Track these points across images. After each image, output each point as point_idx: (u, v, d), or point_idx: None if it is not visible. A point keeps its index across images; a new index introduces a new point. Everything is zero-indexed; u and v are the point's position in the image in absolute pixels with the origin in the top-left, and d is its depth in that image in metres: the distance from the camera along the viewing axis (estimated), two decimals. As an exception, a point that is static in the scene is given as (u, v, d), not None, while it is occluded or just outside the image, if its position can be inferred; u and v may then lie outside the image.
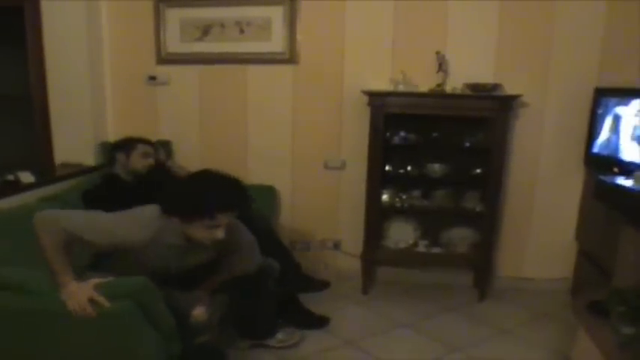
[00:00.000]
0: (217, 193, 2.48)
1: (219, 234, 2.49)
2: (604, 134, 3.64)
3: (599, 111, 3.68)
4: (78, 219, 2.47)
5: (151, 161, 3.78)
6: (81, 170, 4.05)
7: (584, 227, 3.96)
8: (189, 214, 2.48)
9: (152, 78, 4.35)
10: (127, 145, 3.76)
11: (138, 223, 2.54)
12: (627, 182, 3.09)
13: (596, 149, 3.70)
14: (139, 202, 3.53)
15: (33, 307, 2.39)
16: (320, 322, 3.60)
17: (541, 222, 4.19)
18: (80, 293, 2.29)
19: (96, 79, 4.26)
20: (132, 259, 2.56)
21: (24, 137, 4.50)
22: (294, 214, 4.43)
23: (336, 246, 4.41)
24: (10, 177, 3.54)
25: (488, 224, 3.93)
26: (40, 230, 2.38)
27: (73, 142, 4.22)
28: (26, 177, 3.59)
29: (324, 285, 4.09)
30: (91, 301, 2.28)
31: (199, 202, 2.46)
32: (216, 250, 2.74)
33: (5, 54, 5.12)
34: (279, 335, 3.28)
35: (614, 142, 3.56)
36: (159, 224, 2.54)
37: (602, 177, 3.30)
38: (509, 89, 3.88)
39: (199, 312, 2.74)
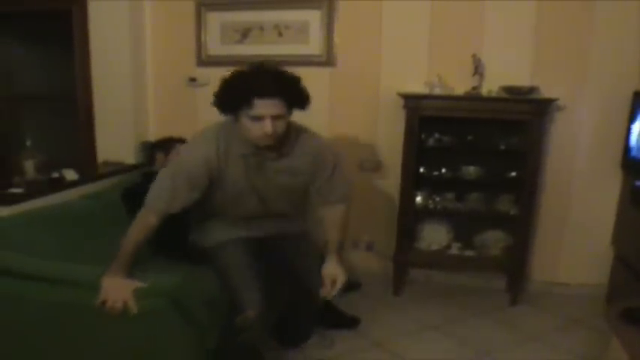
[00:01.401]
0: (252, 76, 2.35)
1: (267, 127, 2.32)
2: (642, 139, 3.61)
3: (638, 115, 3.64)
4: (163, 197, 2.52)
5: None
6: (121, 169, 4.16)
7: (620, 233, 3.91)
8: (229, 105, 2.40)
9: (192, 79, 4.46)
10: (166, 144, 3.82)
11: (203, 140, 2.54)
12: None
13: (634, 154, 3.66)
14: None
15: (70, 300, 2.44)
16: (351, 322, 3.62)
17: (576, 226, 4.14)
18: (119, 291, 2.32)
19: (138, 80, 4.39)
20: (220, 193, 2.61)
21: (69, 136, 4.63)
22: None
23: (369, 247, 4.44)
24: (56, 174, 3.65)
25: (522, 228, 3.91)
26: (135, 225, 2.53)
27: (115, 141, 4.35)
28: (70, 175, 3.70)
29: (355, 286, 4.11)
30: (124, 302, 2.30)
31: (234, 88, 2.36)
32: (300, 172, 2.66)
33: (53, 56, 5.33)
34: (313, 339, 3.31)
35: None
36: (223, 133, 2.51)
37: (638, 182, 3.27)
38: (546, 92, 3.86)
39: (251, 315, 2.66)
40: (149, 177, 3.73)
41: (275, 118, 2.33)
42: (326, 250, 2.81)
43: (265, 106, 2.30)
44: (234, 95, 2.34)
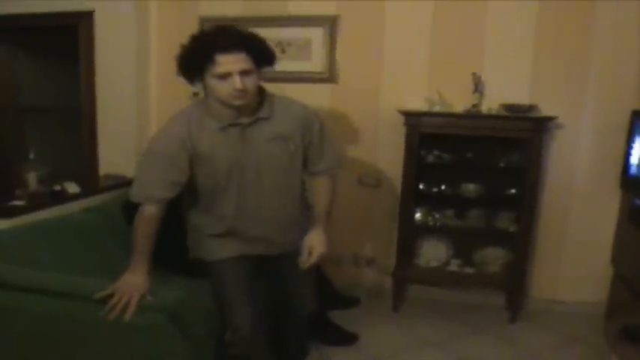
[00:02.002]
0: (212, 33, 2.30)
1: (237, 83, 2.22)
2: (640, 157, 3.63)
3: (637, 134, 3.66)
4: (152, 183, 2.48)
5: None
6: (123, 182, 4.14)
7: (619, 251, 3.92)
8: (193, 68, 2.29)
9: (196, 94, 4.48)
10: None
11: (171, 123, 2.48)
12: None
13: (633, 172, 3.68)
14: (178, 213, 3.65)
15: (70, 313, 2.45)
16: (349, 338, 3.63)
17: (576, 244, 4.15)
18: (129, 288, 2.35)
19: (142, 94, 4.43)
20: (208, 175, 2.51)
21: (72, 149, 4.67)
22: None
23: (369, 263, 4.45)
24: (57, 187, 3.67)
25: (521, 245, 3.92)
26: (137, 221, 2.52)
27: (117, 154, 4.38)
28: (72, 187, 3.72)
29: (354, 301, 4.14)
30: (128, 301, 2.31)
31: (195, 48, 2.27)
32: (291, 138, 2.53)
33: (59, 69, 5.38)
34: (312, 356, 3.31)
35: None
36: (193, 112, 2.45)
37: (637, 200, 3.28)
38: (546, 110, 3.90)
39: (240, 331, 2.64)
40: None
41: (243, 74, 2.24)
42: (312, 218, 2.74)
43: (230, 62, 2.22)
44: (197, 55, 2.25)
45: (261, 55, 2.35)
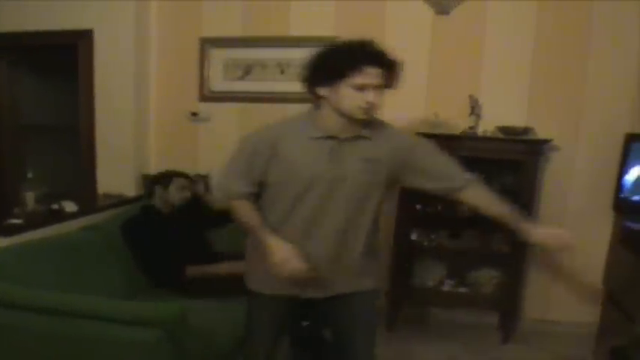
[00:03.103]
0: (363, 44, 2.19)
1: (370, 96, 2.16)
2: (634, 180, 3.67)
3: (630, 157, 3.71)
4: (232, 179, 2.39)
5: (187, 194, 3.86)
6: (121, 201, 4.20)
7: (611, 273, 3.96)
8: (332, 73, 2.18)
9: (194, 114, 4.53)
10: (165, 178, 3.85)
11: (270, 124, 2.41)
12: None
13: (625, 195, 3.73)
14: (176, 233, 3.67)
15: (67, 331, 2.45)
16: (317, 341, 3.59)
17: (569, 265, 4.19)
18: (285, 252, 2.21)
19: (140, 114, 4.46)
20: (287, 181, 2.33)
21: (70, 168, 4.68)
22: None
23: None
24: (55, 206, 3.67)
25: (515, 266, 3.96)
26: (235, 212, 2.42)
27: (115, 173, 4.41)
28: (70, 206, 3.72)
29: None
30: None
31: (344, 54, 2.18)
32: (377, 161, 2.33)
33: (57, 87, 5.40)
34: None
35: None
36: (295, 120, 2.39)
37: (628, 223, 3.32)
38: (541, 133, 3.94)
39: None
40: (148, 210, 3.79)
41: (376, 88, 2.19)
42: (511, 223, 2.41)
43: (372, 75, 2.17)
44: (344, 61, 2.16)
45: (394, 75, 2.29)
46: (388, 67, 2.22)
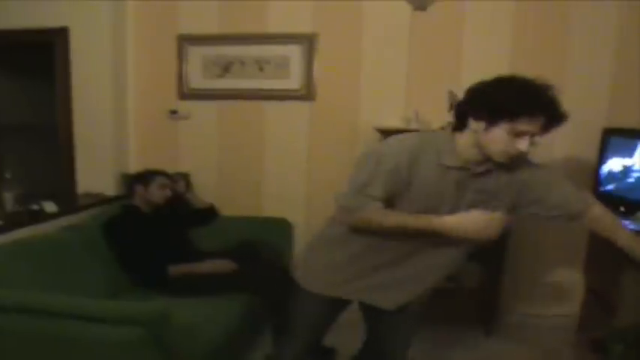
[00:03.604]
0: (539, 89, 1.98)
1: (524, 145, 2.00)
2: (611, 174, 3.71)
3: (607, 151, 3.76)
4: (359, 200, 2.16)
5: (167, 193, 3.86)
6: (101, 200, 4.17)
7: (590, 265, 4.01)
8: (501, 109, 1.97)
9: (174, 112, 4.51)
10: (144, 177, 3.85)
11: (406, 138, 2.22)
12: (628, 222, 3.16)
13: (603, 188, 3.77)
14: (158, 232, 3.65)
15: (48, 331, 2.45)
16: (326, 352, 3.62)
17: (549, 258, 4.25)
18: (471, 218, 2.07)
19: (119, 113, 4.41)
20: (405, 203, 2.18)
21: (49, 167, 4.64)
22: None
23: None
24: (35, 206, 3.64)
25: (495, 259, 3.99)
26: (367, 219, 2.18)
27: (95, 173, 4.36)
28: (50, 207, 3.69)
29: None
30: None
31: (521, 96, 1.96)
32: (495, 198, 2.21)
33: (34, 86, 5.35)
34: None
35: (621, 182, 3.64)
36: (431, 139, 2.19)
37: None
38: (519, 128, 3.96)
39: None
40: (128, 209, 3.77)
41: (532, 137, 2.03)
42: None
43: (536, 125, 2.00)
44: (517, 103, 1.96)
45: (554, 126, 2.08)
46: (556, 121, 2.04)
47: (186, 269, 3.51)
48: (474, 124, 2.04)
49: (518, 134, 1.98)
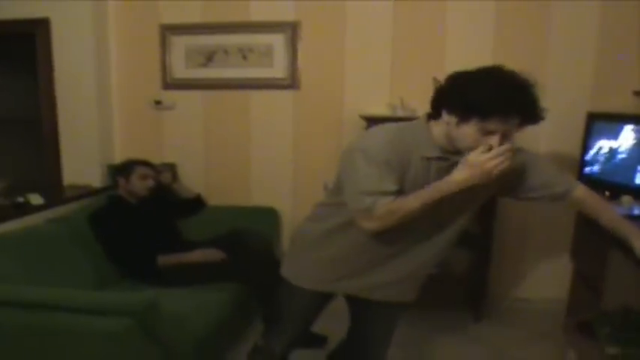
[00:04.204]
0: (517, 88, 1.91)
1: (493, 142, 1.91)
2: (596, 158, 3.74)
3: (592, 135, 3.78)
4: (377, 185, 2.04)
5: (150, 183, 3.83)
6: (88, 192, 4.15)
7: (578, 249, 4.03)
8: (472, 109, 1.90)
9: (158, 102, 4.48)
10: (125, 168, 3.83)
11: (381, 130, 2.15)
12: (613, 206, 3.18)
13: (588, 172, 3.80)
14: (145, 223, 3.64)
15: (35, 323, 2.45)
16: (318, 341, 3.63)
17: (537, 243, 4.29)
18: (478, 165, 1.95)
19: (103, 103, 4.39)
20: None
21: (34, 159, 4.61)
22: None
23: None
24: (20, 199, 3.62)
25: (483, 245, 4.01)
26: (384, 221, 2.06)
27: (81, 164, 4.35)
28: (35, 199, 3.67)
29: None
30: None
31: (492, 94, 1.88)
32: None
33: (17, 79, 5.30)
34: None
35: (605, 166, 3.66)
36: (407, 131, 2.12)
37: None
38: (504, 113, 3.97)
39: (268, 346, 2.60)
40: (115, 200, 3.76)
41: (503, 134, 1.94)
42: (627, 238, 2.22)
43: (507, 124, 1.92)
44: (490, 102, 1.88)
45: (529, 124, 2.00)
46: (531, 121, 1.97)
47: (175, 259, 3.51)
48: (447, 117, 1.98)
49: (490, 133, 1.92)
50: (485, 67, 1.98)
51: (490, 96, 1.88)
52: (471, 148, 1.96)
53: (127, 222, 3.60)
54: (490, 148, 1.91)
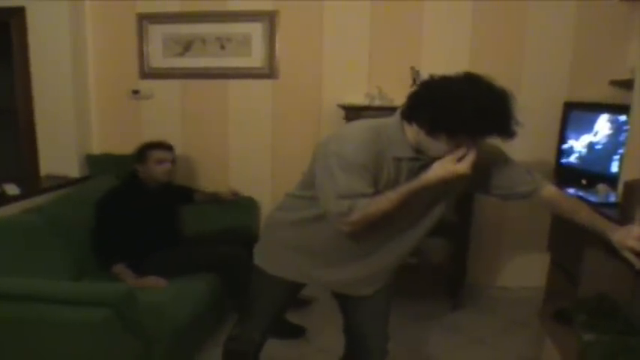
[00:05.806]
0: (495, 111, 1.89)
1: (461, 152, 1.94)
2: (572, 147, 3.77)
3: (569, 124, 3.82)
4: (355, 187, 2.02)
5: (167, 166, 3.68)
6: (65, 182, 4.13)
7: (554, 238, 4.06)
8: (443, 127, 1.90)
9: (135, 92, 4.46)
10: (140, 154, 3.67)
11: (359, 130, 2.10)
12: (589, 195, 3.22)
13: (565, 161, 3.83)
14: (157, 210, 3.65)
15: (12, 313, 2.45)
16: (296, 331, 3.66)
17: (514, 231, 4.33)
18: (442, 165, 1.96)
19: (80, 93, 4.36)
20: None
21: (10, 150, 4.57)
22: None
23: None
24: (-4, 189, 3.59)
25: (461, 234, 4.04)
26: (360, 223, 2.04)
27: (58, 154, 4.33)
28: (11, 189, 3.65)
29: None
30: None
31: (467, 115, 1.85)
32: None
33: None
34: None
35: (582, 155, 3.70)
36: (383, 130, 2.07)
37: (569, 190, 3.42)
38: (481, 103, 3.99)
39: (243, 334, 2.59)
40: (131, 182, 3.69)
41: (472, 145, 1.97)
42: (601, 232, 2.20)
43: (476, 142, 1.96)
44: (465, 123, 1.87)
45: (502, 138, 1.98)
46: (503, 138, 1.96)
47: (126, 275, 3.35)
48: (415, 127, 1.98)
49: (458, 144, 1.94)
50: (459, 81, 1.94)
51: (461, 120, 1.87)
52: (439, 156, 1.97)
53: (143, 204, 3.56)
54: (461, 158, 1.94)
